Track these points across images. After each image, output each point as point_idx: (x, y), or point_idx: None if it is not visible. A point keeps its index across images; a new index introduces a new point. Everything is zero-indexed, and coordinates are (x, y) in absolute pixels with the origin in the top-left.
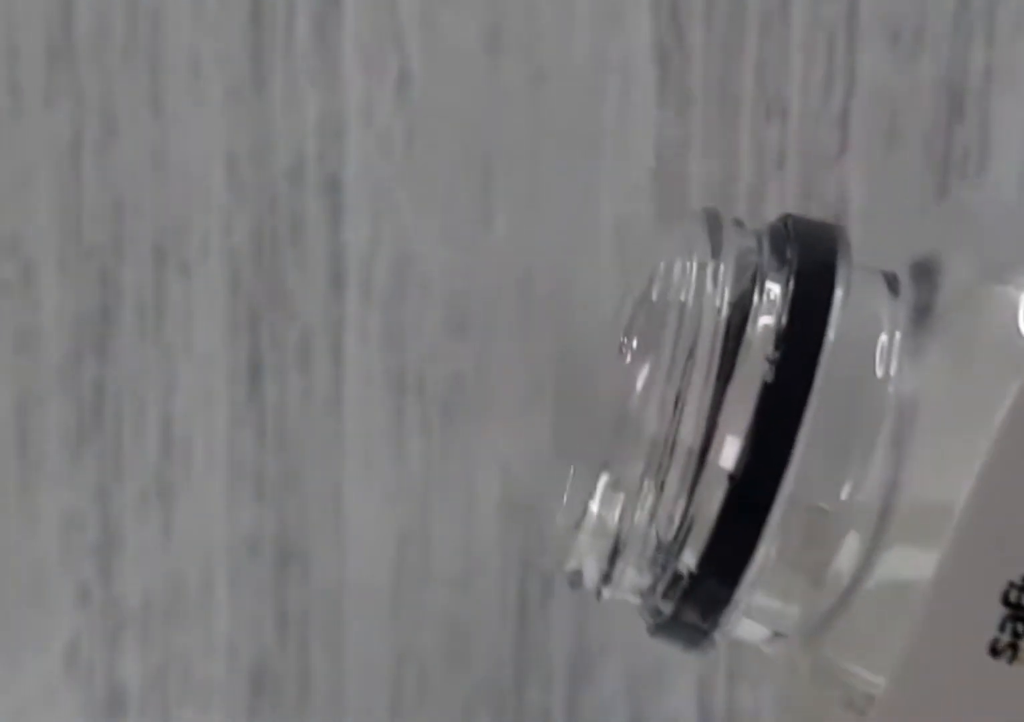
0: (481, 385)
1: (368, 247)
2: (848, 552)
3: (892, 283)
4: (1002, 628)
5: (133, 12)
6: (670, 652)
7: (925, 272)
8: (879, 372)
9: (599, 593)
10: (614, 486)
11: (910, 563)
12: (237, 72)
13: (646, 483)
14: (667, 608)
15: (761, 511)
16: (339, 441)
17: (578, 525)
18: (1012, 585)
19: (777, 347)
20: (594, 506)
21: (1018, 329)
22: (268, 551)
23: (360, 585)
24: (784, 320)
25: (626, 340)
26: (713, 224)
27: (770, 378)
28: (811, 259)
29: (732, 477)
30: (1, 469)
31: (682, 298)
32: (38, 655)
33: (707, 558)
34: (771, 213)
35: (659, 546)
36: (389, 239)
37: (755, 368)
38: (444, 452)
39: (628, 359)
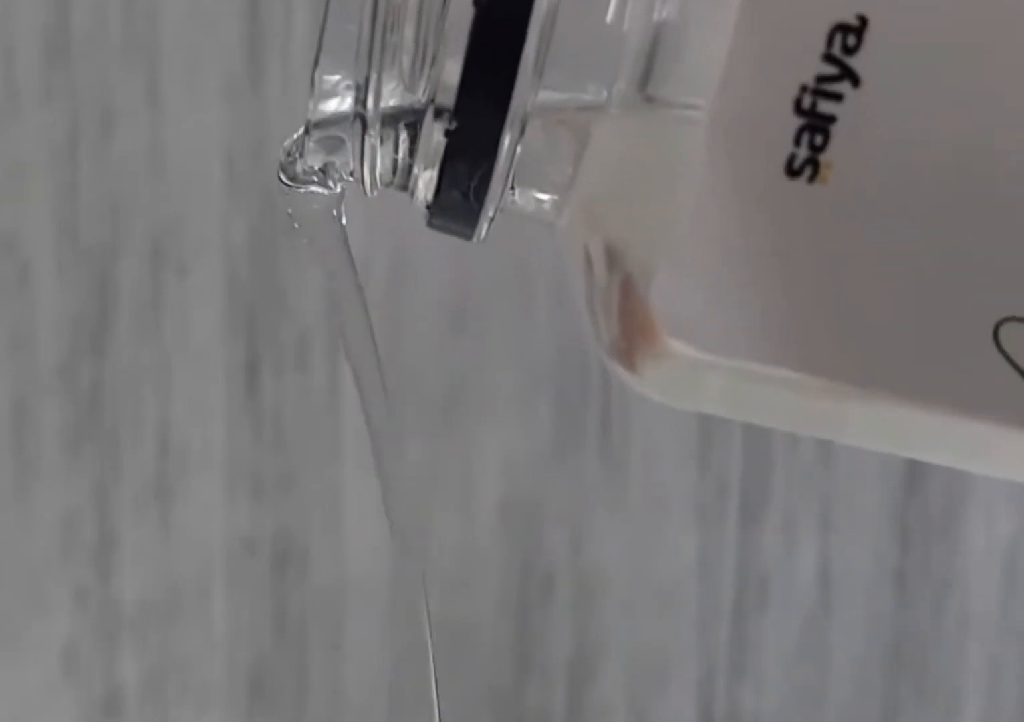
0: (480, 383)
1: (365, 245)
2: (617, 90)
3: None
4: (797, 142)
5: (130, 9)
6: (670, 652)
7: None
8: None
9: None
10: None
11: (683, 87)
12: (234, 69)
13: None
14: (429, 173)
15: (518, 26)
16: (337, 440)
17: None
18: (805, 89)
19: None
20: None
21: None
22: (266, 551)
23: (359, 585)
24: None
25: None
26: None
27: None
28: None
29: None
30: None
31: None
32: (35, 657)
33: (466, 93)
34: None
35: (406, 107)
36: (387, 236)
37: None
38: (443, 451)
39: None
